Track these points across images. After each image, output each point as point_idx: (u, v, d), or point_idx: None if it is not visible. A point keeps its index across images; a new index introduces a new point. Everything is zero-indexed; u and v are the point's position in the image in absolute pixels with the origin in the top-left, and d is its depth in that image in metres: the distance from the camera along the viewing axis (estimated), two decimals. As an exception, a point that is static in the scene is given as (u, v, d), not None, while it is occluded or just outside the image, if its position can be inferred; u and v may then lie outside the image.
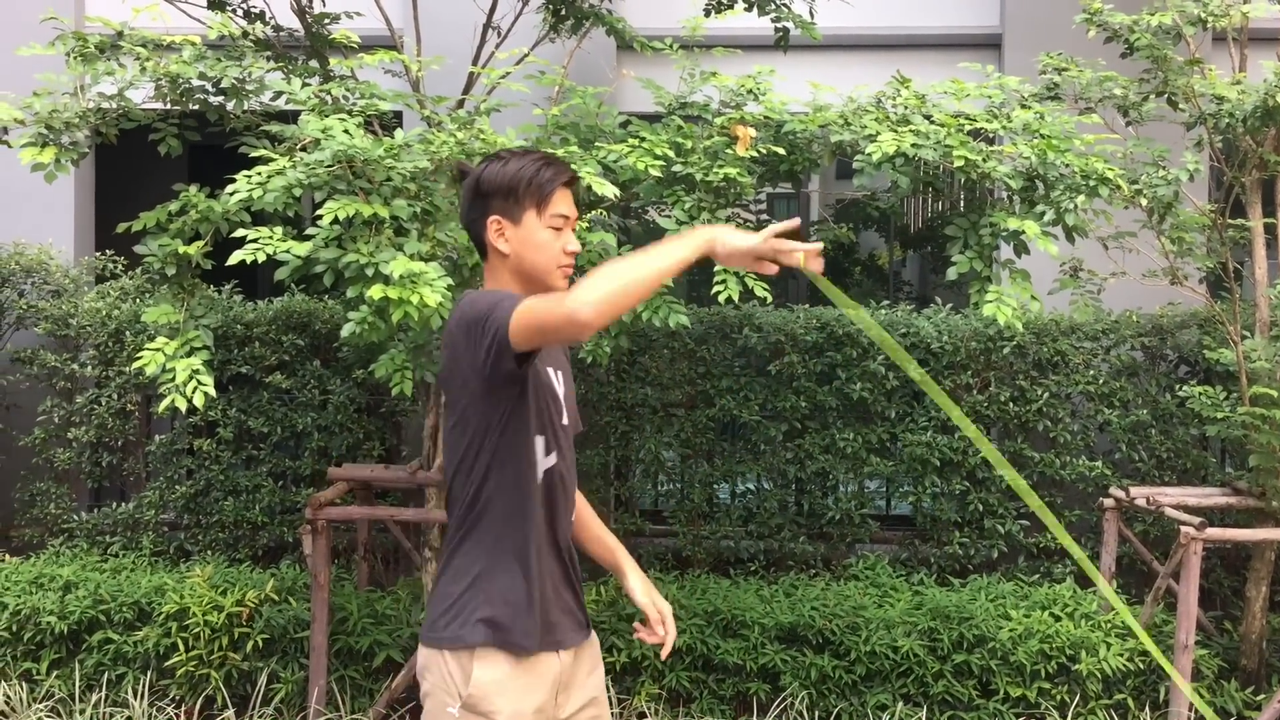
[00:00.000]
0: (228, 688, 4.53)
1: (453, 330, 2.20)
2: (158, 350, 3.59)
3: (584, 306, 1.96)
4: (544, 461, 2.26)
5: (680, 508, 5.46)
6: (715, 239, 2.09)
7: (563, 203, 2.29)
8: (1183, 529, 4.16)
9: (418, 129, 3.88)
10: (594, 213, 4.05)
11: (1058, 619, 4.54)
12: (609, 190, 3.61)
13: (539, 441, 2.24)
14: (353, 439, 5.47)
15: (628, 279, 1.99)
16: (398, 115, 5.56)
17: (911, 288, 8.98)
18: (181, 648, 4.56)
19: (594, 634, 2.42)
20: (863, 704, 4.45)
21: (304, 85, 3.97)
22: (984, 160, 3.67)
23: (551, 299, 2.04)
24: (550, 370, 2.33)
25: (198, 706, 4.56)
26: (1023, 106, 4.10)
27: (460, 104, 4.56)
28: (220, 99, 4.17)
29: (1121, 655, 4.37)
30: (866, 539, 5.42)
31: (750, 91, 4.41)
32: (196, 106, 4.18)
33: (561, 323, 1.99)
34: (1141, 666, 4.42)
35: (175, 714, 4.54)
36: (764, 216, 9.31)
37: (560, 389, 2.34)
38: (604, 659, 4.47)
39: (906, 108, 4.02)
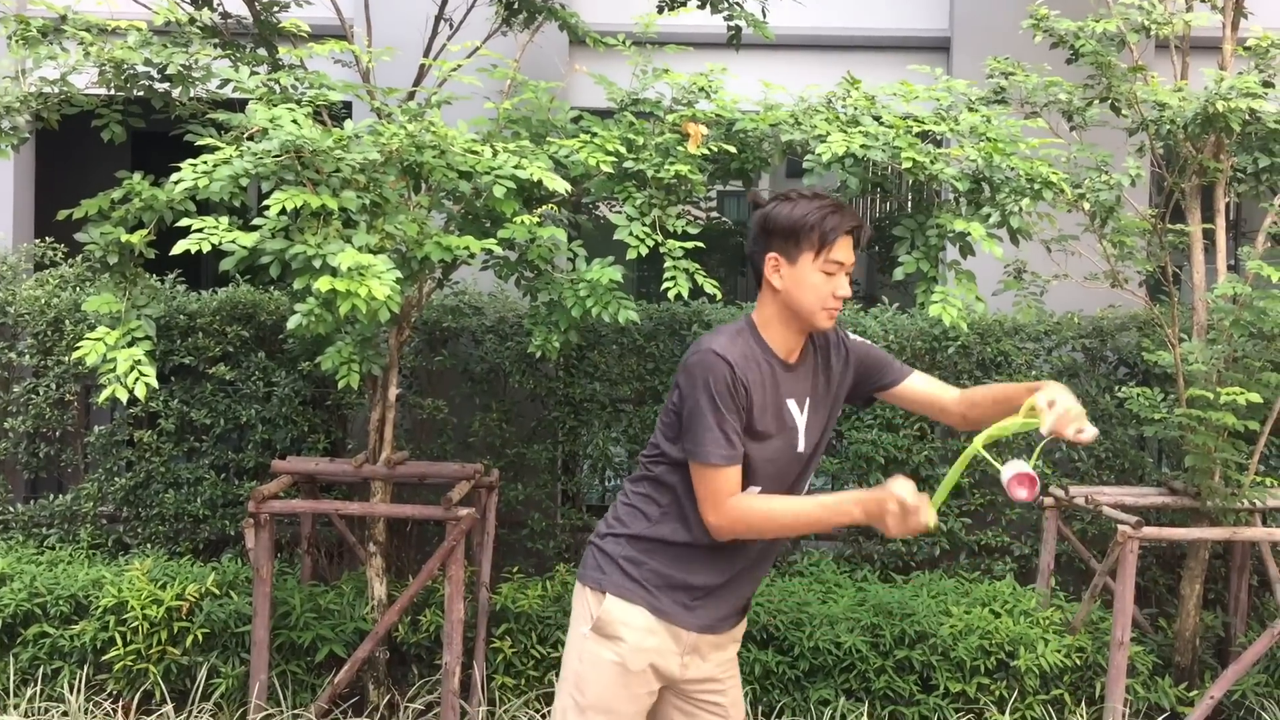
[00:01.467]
0: (167, 683, 4.48)
1: (682, 364, 2.49)
2: (98, 340, 3.54)
3: (721, 534, 2.42)
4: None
5: (627, 503, 5.46)
6: (874, 522, 2.31)
7: (842, 250, 2.46)
8: (1120, 528, 4.24)
9: (367, 120, 3.85)
10: (544, 208, 4.04)
11: (997, 615, 4.61)
12: (560, 186, 3.61)
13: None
14: (297, 432, 5.42)
15: (762, 527, 2.43)
16: (347, 106, 5.51)
17: (859, 287, 9.06)
18: (119, 642, 4.50)
19: (743, 621, 2.67)
20: (805, 699, 4.49)
21: (252, 73, 3.92)
22: (931, 162, 3.72)
23: (704, 501, 2.41)
24: (789, 404, 2.51)
25: (136, 701, 4.50)
26: (970, 109, 4.15)
27: (411, 96, 4.53)
28: (165, 86, 4.11)
29: (1059, 651, 4.45)
30: (811, 536, 5.45)
31: (702, 89, 4.42)
32: (141, 93, 4.12)
33: (710, 530, 2.43)
34: (1078, 663, 4.50)
35: (113, 709, 4.48)
36: (714, 215, 9.35)
37: (800, 420, 2.53)
38: (549, 655, 4.50)
39: (856, 108, 4.06)
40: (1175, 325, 4.58)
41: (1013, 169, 3.81)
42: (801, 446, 2.53)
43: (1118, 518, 4.31)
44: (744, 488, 2.46)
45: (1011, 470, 2.30)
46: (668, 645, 2.50)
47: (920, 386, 2.67)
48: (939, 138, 4.01)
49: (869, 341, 2.84)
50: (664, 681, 2.54)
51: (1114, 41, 4.45)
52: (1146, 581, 5.16)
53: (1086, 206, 4.38)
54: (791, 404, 2.51)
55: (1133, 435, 5.29)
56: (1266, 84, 4.41)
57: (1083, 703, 4.47)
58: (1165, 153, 4.65)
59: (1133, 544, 4.22)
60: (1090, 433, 2.26)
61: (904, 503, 2.25)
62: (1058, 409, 2.26)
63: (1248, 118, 4.21)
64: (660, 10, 5.01)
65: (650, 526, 2.52)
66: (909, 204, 4.07)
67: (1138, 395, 4.61)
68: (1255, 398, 4.16)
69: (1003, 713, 4.40)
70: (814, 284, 2.45)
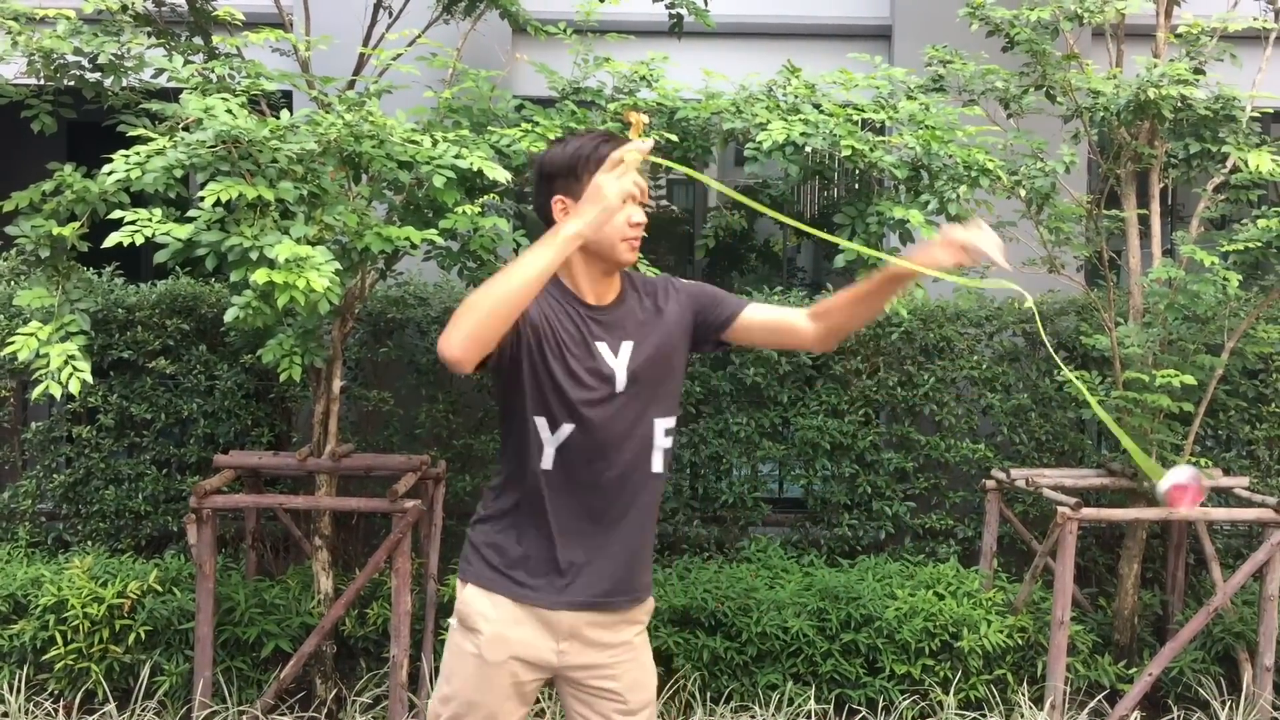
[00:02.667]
0: (109, 681, 4.42)
1: None
2: (30, 335, 3.47)
3: (449, 349, 2.13)
4: (553, 439, 2.38)
5: (575, 493, 5.46)
6: (576, 225, 2.16)
7: None
8: (1059, 509, 4.31)
9: (305, 110, 3.81)
10: (486, 197, 4.02)
11: (941, 598, 4.67)
12: (500, 175, 3.60)
13: (540, 421, 2.38)
14: (240, 425, 5.36)
15: (489, 302, 2.12)
16: (286, 95, 5.45)
17: (805, 274, 9.11)
18: (60, 641, 4.43)
19: (649, 601, 2.56)
20: (753, 684, 4.52)
21: (186, 63, 3.87)
22: (871, 150, 3.75)
23: (442, 339, 2.17)
24: (599, 346, 2.40)
25: (78, 701, 4.44)
26: (909, 98, 4.19)
27: (350, 85, 4.49)
28: (97, 75, 4.04)
29: (1001, 632, 4.52)
30: (759, 522, 5.49)
31: (644, 78, 4.43)
32: (72, 83, 4.04)
33: (447, 363, 2.16)
34: (1020, 642, 4.57)
35: (54, 709, 4.42)
36: (662, 203, 9.36)
37: (615, 362, 2.41)
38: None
39: (797, 97, 4.08)
40: (1112, 309, 4.66)
41: (950, 156, 3.85)
42: (620, 386, 2.39)
43: (1057, 499, 4.37)
44: (560, 429, 2.36)
45: (1171, 481, 2.17)
46: (537, 634, 2.41)
47: (764, 313, 2.55)
48: (878, 125, 4.04)
49: (703, 282, 2.69)
50: (542, 672, 2.45)
51: (1048, 29, 4.51)
52: (1086, 561, 5.25)
53: (1023, 193, 4.43)
54: (603, 346, 2.40)
55: (1072, 418, 5.38)
56: (1197, 71, 4.49)
57: (1025, 682, 4.54)
58: (1100, 139, 4.72)
59: (1072, 525, 4.29)
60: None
61: (594, 185, 2.15)
62: (982, 242, 2.37)
63: (1179, 104, 4.29)
64: (601, -1, 5.00)
65: (496, 500, 2.46)
66: (850, 191, 4.10)
67: (1076, 378, 4.67)
68: (1190, 380, 4.24)
69: (947, 693, 4.46)
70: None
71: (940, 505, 5.41)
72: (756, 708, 4.44)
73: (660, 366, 2.46)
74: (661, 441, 2.46)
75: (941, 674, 4.51)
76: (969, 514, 5.38)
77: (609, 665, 2.47)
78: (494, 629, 2.40)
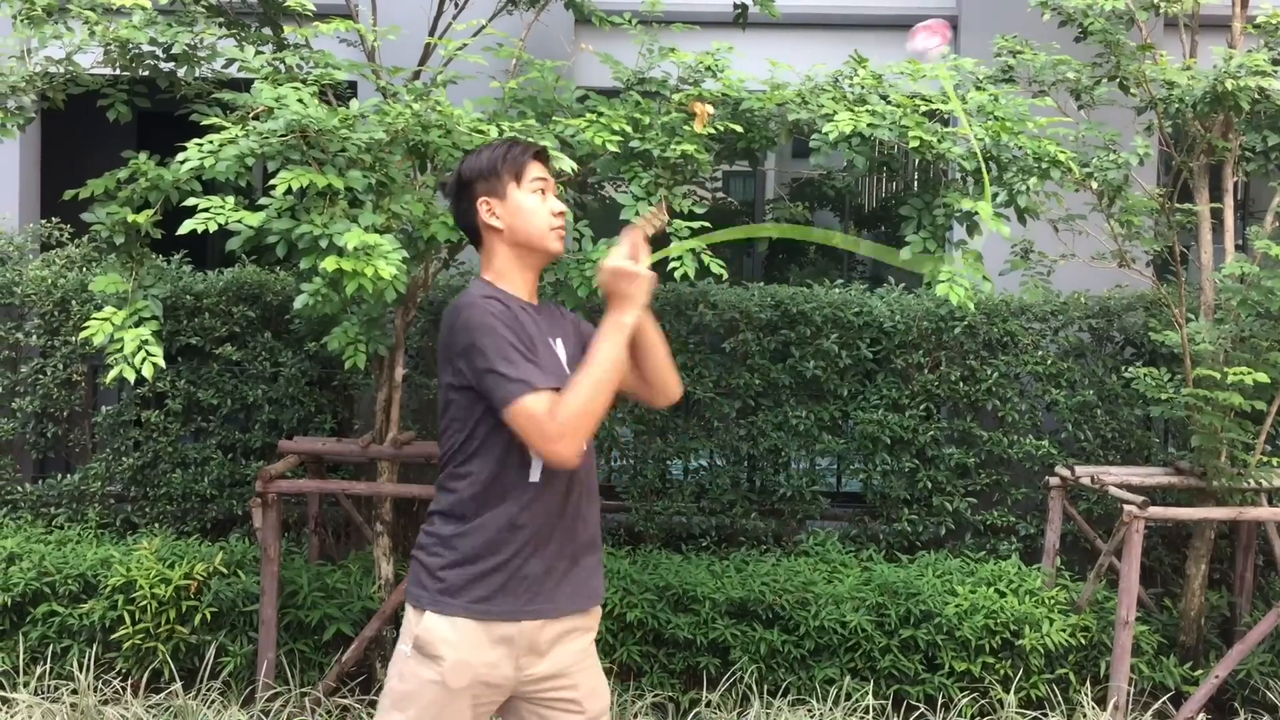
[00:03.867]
0: (175, 661, 4.50)
1: (445, 342, 2.40)
2: (105, 320, 3.54)
3: (568, 457, 2.28)
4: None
5: (633, 483, 5.48)
6: (633, 312, 2.37)
7: (537, 169, 2.52)
8: (1125, 507, 4.24)
9: (373, 100, 3.84)
10: (550, 187, 4.02)
11: (1002, 595, 4.62)
12: (566, 165, 3.60)
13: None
14: (304, 412, 5.43)
15: (599, 406, 2.30)
16: (352, 86, 5.50)
17: (865, 267, 9.03)
18: (128, 620, 4.52)
19: (596, 609, 2.54)
20: (811, 678, 4.51)
21: (257, 53, 3.91)
22: (939, 141, 3.70)
23: (542, 430, 2.26)
24: (552, 341, 2.48)
25: (144, 680, 4.53)
26: (977, 88, 4.13)
27: (416, 75, 4.52)
28: (171, 65, 4.10)
29: (1064, 630, 4.46)
30: (817, 515, 5.46)
31: (708, 68, 4.40)
32: (146, 73, 4.11)
33: (547, 458, 2.30)
34: (1083, 642, 4.51)
35: (121, 687, 4.50)
36: (720, 194, 9.34)
37: (563, 356, 2.49)
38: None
39: (863, 87, 4.04)
40: (1182, 305, 4.57)
41: (1020, 148, 3.79)
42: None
43: (1124, 497, 4.31)
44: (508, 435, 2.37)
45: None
46: (498, 653, 2.37)
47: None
48: (946, 116, 3.99)
49: None
50: (502, 693, 2.42)
51: (1123, 19, 4.43)
52: (1152, 561, 5.16)
53: (1094, 186, 4.36)
54: (553, 341, 2.49)
55: (1139, 415, 5.29)
56: (1276, 62, 4.39)
57: (1088, 681, 4.48)
58: (1173, 131, 4.63)
59: (1138, 524, 4.22)
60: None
61: (621, 271, 2.35)
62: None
63: (1256, 96, 4.19)
64: (666, -11, 4.98)
65: (461, 525, 2.39)
66: (915, 183, 4.05)
67: (1144, 375, 4.60)
68: (1263, 377, 4.15)
69: (1008, 691, 4.41)
70: (531, 206, 2.48)
71: (1002, 502, 5.35)
72: (814, 701, 4.43)
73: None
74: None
75: (1002, 672, 4.47)
76: (1031, 511, 5.31)
77: (567, 674, 2.46)
78: (457, 655, 2.35)
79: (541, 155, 2.56)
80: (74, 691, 4.36)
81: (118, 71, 4.07)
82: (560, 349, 2.49)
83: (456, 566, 2.37)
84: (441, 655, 2.35)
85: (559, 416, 2.25)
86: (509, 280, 2.49)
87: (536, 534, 2.38)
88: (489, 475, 2.38)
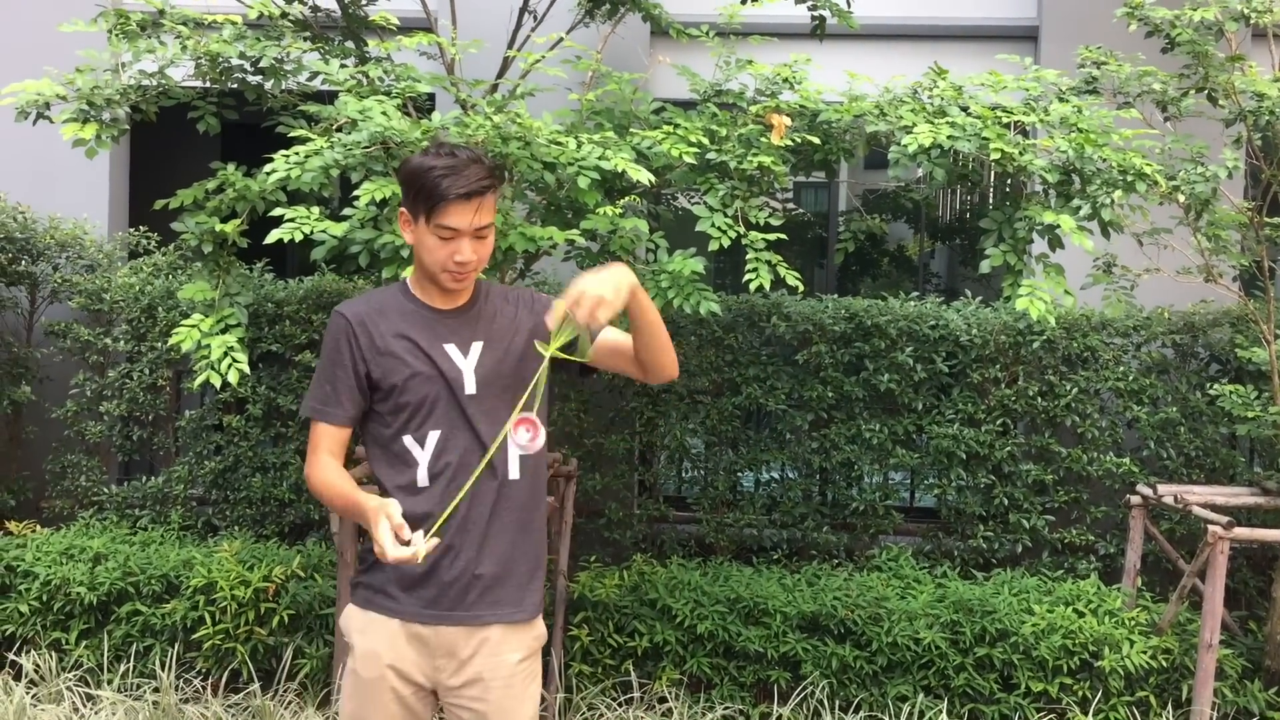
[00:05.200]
0: (253, 662, 4.58)
1: None
2: (193, 326, 3.63)
3: (310, 484, 2.41)
4: (424, 454, 2.39)
5: (704, 495, 5.47)
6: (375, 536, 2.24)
7: (455, 216, 2.31)
8: (1210, 528, 4.14)
9: (453, 112, 3.89)
10: (627, 199, 4.05)
11: (1081, 615, 4.54)
12: (643, 176, 3.62)
13: (407, 439, 2.40)
14: (380, 419, 5.49)
15: (326, 496, 2.39)
16: (432, 98, 5.58)
17: (940, 280, 8.94)
18: (208, 621, 4.62)
19: (537, 623, 2.52)
20: (883, 694, 4.46)
21: (341, 66, 3.99)
22: (1020, 153, 3.66)
23: (310, 453, 2.42)
24: (447, 348, 2.41)
25: (224, 680, 4.62)
26: (1060, 100, 4.07)
27: (495, 88, 4.57)
28: (259, 78, 4.19)
29: (1145, 653, 4.37)
30: (890, 530, 5.41)
31: (786, 80, 4.40)
32: (235, 85, 4.21)
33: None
34: (1164, 664, 4.41)
35: (201, 686, 4.60)
36: (790, 206, 9.30)
37: (465, 363, 2.41)
38: (625, 643, 4.51)
39: (943, 99, 4.01)
40: (1270, 321, 4.46)
41: (1104, 160, 3.74)
42: (470, 389, 2.40)
43: (1208, 518, 4.21)
44: (409, 428, 2.39)
45: (518, 418, 2.33)
46: (411, 649, 2.40)
47: (609, 337, 2.52)
48: (1028, 128, 3.94)
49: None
50: (420, 687, 2.44)
51: (1211, 30, 4.34)
52: (1236, 583, 5.03)
53: (1181, 199, 4.28)
54: (451, 348, 2.41)
55: (1224, 434, 5.17)
56: (1371, 73, 4.27)
57: (1169, 705, 4.38)
58: (1263, 144, 4.52)
59: (1223, 545, 4.12)
60: (604, 316, 2.21)
61: (379, 539, 2.18)
62: (573, 294, 2.21)
63: (1351, 108, 4.08)
64: (743, 1, 4.99)
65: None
66: (995, 196, 4.01)
67: (1230, 393, 4.49)
68: (1355, 397, 4.04)
69: (1086, 713, 4.33)
70: (430, 246, 2.34)
71: (1081, 520, 5.25)
72: (886, 718, 4.38)
73: (519, 377, 2.45)
74: (517, 446, 2.40)
75: (1080, 693, 4.38)
76: (1110, 530, 5.21)
77: (485, 682, 2.42)
78: (366, 644, 2.42)
79: (472, 196, 2.30)
80: (156, 690, 4.47)
81: (207, 84, 4.17)
82: (458, 354, 2.41)
83: (374, 566, 2.44)
84: (354, 645, 2.45)
85: (314, 461, 2.40)
86: (422, 286, 2.46)
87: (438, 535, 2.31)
88: (382, 475, 2.45)
